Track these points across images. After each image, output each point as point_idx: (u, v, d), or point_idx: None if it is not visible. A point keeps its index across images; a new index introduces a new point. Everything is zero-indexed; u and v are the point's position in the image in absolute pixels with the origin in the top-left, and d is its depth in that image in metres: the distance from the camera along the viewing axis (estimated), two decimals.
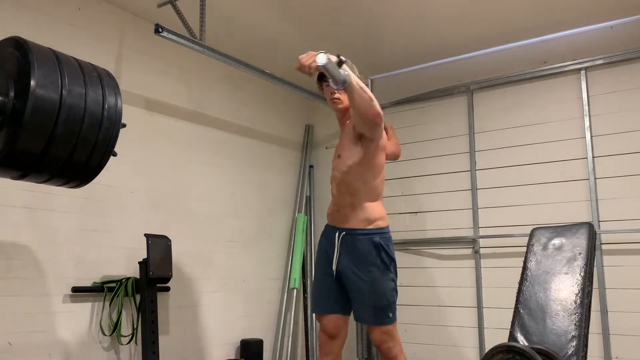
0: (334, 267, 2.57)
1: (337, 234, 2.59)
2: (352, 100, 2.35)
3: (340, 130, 2.76)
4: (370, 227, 2.54)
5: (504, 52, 3.84)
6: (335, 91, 2.56)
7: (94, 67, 2.01)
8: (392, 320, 2.55)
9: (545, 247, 2.63)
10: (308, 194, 4.60)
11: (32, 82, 1.73)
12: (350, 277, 2.53)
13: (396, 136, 3.33)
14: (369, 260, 2.50)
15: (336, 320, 2.61)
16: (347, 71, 2.26)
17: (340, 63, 2.24)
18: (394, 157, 3.22)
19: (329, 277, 2.62)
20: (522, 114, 3.71)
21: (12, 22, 2.73)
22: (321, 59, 2.13)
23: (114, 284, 3.01)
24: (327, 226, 2.72)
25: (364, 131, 2.49)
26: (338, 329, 2.61)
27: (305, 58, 2.21)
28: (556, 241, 2.63)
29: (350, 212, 2.56)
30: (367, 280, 2.49)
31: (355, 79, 2.29)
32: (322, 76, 2.58)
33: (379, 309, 2.50)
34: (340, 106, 2.63)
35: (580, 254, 2.50)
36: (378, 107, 2.37)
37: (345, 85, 2.26)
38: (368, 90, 2.34)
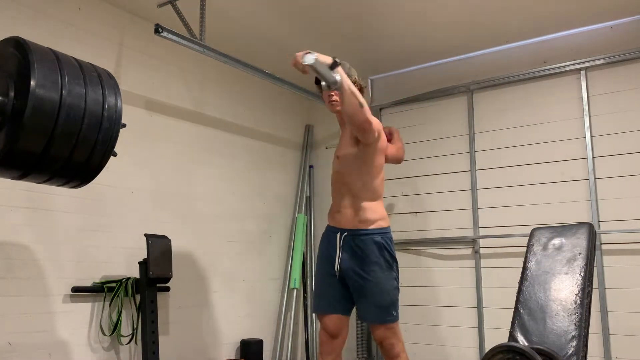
0: (336, 267, 2.59)
1: (338, 235, 2.61)
2: (342, 104, 2.38)
3: (340, 132, 2.77)
4: (372, 227, 2.58)
5: (504, 52, 3.84)
6: (333, 93, 2.58)
7: (94, 67, 2.01)
8: (395, 318, 2.59)
9: (545, 247, 2.63)
10: (308, 194, 4.60)
11: (32, 82, 1.73)
12: (354, 277, 2.56)
13: (401, 140, 3.24)
14: (372, 260, 2.53)
15: (337, 320, 2.63)
16: (339, 73, 2.27)
17: (334, 65, 2.26)
18: (395, 160, 3.15)
19: (331, 278, 2.64)
20: (523, 114, 3.71)
21: (12, 22, 2.73)
22: (308, 58, 2.16)
23: (114, 284, 3.00)
24: (328, 227, 2.73)
25: (356, 134, 2.52)
26: (339, 329, 2.63)
27: (299, 55, 2.23)
28: (556, 241, 2.63)
29: (352, 213, 2.60)
30: (370, 279, 2.53)
31: (347, 83, 2.32)
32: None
33: (383, 308, 2.54)
34: (338, 108, 2.63)
35: (580, 254, 2.50)
36: (367, 114, 2.39)
37: (336, 86, 2.28)
38: (359, 96, 2.36)
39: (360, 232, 2.57)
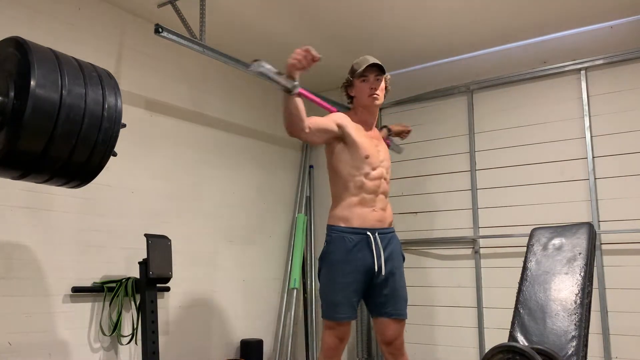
0: (376, 267, 2.53)
1: (370, 235, 2.55)
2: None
3: (360, 128, 2.68)
4: (393, 226, 2.73)
5: (504, 52, 3.84)
6: (377, 87, 2.65)
7: (94, 67, 2.01)
8: None
9: (545, 247, 2.63)
10: (308, 194, 4.60)
11: (32, 82, 1.73)
12: (392, 276, 2.61)
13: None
14: (401, 257, 2.69)
15: (350, 325, 2.66)
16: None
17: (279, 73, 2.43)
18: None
19: (358, 284, 2.55)
20: (522, 114, 3.71)
21: (11, 22, 2.73)
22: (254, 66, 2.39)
23: (114, 284, 3.01)
24: (350, 229, 2.57)
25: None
26: (349, 333, 2.66)
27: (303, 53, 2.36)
28: (556, 241, 2.62)
29: (384, 212, 2.66)
30: (402, 275, 2.67)
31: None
32: (372, 67, 2.63)
33: (406, 302, 2.67)
34: (378, 102, 2.69)
35: (580, 254, 2.50)
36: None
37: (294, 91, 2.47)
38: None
39: (390, 230, 2.68)
